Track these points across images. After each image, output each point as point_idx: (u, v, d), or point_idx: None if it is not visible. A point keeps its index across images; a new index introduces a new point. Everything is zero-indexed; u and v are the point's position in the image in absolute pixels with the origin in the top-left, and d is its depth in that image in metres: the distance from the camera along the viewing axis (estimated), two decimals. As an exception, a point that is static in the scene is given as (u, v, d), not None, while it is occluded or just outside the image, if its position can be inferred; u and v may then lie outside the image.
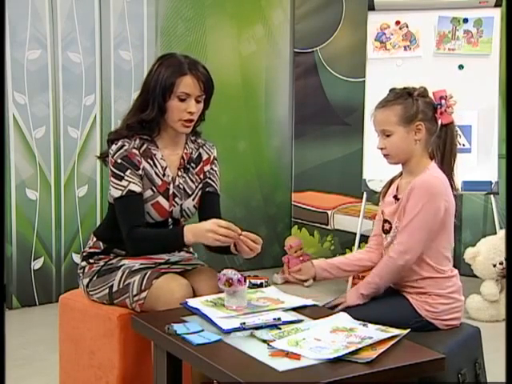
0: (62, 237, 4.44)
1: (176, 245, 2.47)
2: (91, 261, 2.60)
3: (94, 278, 2.55)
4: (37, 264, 4.36)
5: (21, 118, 4.24)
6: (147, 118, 2.51)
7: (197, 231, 2.37)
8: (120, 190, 2.47)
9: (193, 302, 2.29)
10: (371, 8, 4.57)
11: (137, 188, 2.48)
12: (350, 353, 1.88)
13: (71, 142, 4.43)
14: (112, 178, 2.50)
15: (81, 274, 2.62)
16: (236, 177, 5.13)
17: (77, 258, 4.36)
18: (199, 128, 2.67)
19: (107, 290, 2.51)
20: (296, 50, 5.32)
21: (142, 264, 2.52)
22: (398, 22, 4.54)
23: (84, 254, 2.65)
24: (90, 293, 2.57)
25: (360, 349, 1.90)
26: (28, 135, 4.27)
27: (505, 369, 2.10)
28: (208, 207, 2.65)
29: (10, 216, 4.24)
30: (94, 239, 2.64)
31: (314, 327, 2.07)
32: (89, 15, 4.43)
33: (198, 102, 2.52)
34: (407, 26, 4.52)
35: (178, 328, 2.07)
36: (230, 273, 2.23)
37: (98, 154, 2.67)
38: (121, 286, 2.48)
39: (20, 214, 4.29)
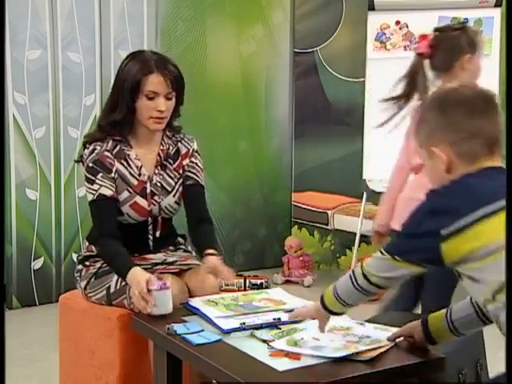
0: (62, 237, 4.44)
1: (119, 274, 2.45)
2: (87, 263, 2.60)
3: (92, 279, 2.55)
4: (37, 264, 4.36)
5: (21, 118, 4.24)
6: (117, 118, 2.49)
7: (130, 281, 2.35)
8: (92, 193, 2.49)
9: (194, 302, 2.29)
10: (371, 8, 4.57)
11: (108, 192, 2.48)
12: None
13: (71, 142, 4.43)
14: (85, 183, 2.52)
15: (78, 278, 2.61)
16: (236, 177, 5.13)
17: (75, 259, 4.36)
18: (178, 123, 2.64)
19: (105, 292, 2.50)
20: (296, 50, 5.32)
21: (138, 265, 2.51)
22: (398, 22, 4.54)
23: (79, 257, 2.65)
24: (89, 295, 2.56)
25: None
26: (28, 135, 4.27)
27: (505, 369, 2.09)
28: (192, 200, 2.63)
29: (10, 216, 4.24)
30: (87, 244, 2.64)
31: (311, 326, 2.07)
32: (89, 15, 4.43)
33: (168, 99, 2.48)
34: (407, 26, 4.53)
35: (178, 328, 2.07)
36: (152, 277, 2.22)
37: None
38: (118, 287, 2.48)
39: (20, 214, 4.29)
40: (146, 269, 2.49)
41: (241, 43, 5.16)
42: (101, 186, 2.47)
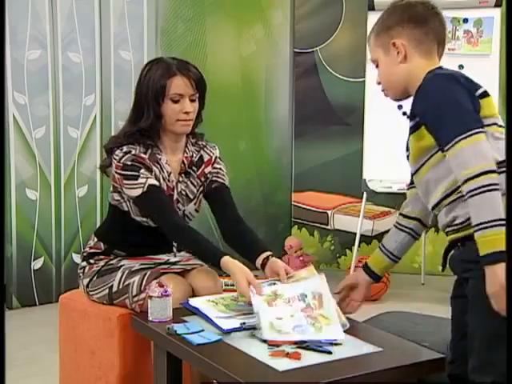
0: (62, 237, 4.44)
1: (210, 261, 2.40)
2: (91, 261, 2.60)
3: (94, 278, 2.55)
4: (37, 264, 4.36)
5: (21, 118, 4.24)
6: (145, 125, 2.47)
7: (232, 275, 2.27)
8: (139, 187, 2.42)
9: (194, 302, 2.29)
10: (371, 8, 4.57)
11: (156, 182, 2.44)
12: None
13: (71, 141, 4.43)
14: (125, 181, 2.44)
15: (81, 274, 2.62)
16: (236, 177, 5.10)
17: (77, 258, 4.36)
18: (199, 130, 2.65)
19: (107, 291, 2.51)
20: (296, 50, 5.32)
21: (141, 264, 2.52)
22: (398, 22, 4.53)
23: (84, 254, 2.65)
24: (90, 293, 2.57)
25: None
26: (28, 135, 4.27)
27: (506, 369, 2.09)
28: (221, 203, 2.61)
29: (10, 216, 4.24)
30: (95, 239, 2.63)
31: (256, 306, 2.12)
32: (89, 15, 4.43)
33: (192, 101, 2.49)
34: (407, 26, 4.52)
35: (178, 328, 2.07)
36: (153, 284, 2.22)
37: (99, 159, 2.63)
38: (120, 286, 2.48)
39: (20, 214, 4.29)
40: (149, 268, 2.50)
41: (241, 43, 5.16)
42: (147, 178, 2.42)
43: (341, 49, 5.23)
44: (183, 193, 2.57)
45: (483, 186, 1.72)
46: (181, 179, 2.57)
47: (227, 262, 2.28)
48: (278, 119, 5.39)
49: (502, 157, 1.83)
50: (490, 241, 1.70)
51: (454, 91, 1.89)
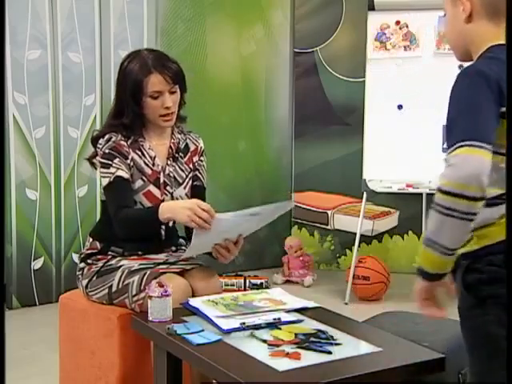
0: (62, 237, 4.44)
1: (152, 221, 2.42)
2: (89, 262, 2.61)
3: (94, 278, 2.56)
4: (37, 264, 4.36)
5: (21, 118, 4.24)
6: (126, 122, 2.53)
7: (174, 206, 2.39)
8: (108, 177, 2.49)
9: (194, 302, 2.29)
10: (371, 8, 4.57)
11: (124, 174, 2.49)
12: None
13: (71, 141, 4.43)
14: (101, 169, 2.52)
15: (80, 276, 2.62)
16: (236, 177, 5.13)
17: (77, 257, 4.36)
18: (183, 112, 2.66)
19: (107, 290, 2.51)
20: (296, 50, 5.32)
21: (141, 264, 2.52)
22: (398, 22, 4.54)
23: (82, 255, 2.66)
24: (90, 293, 2.57)
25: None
26: (28, 135, 4.27)
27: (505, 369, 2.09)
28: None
29: (10, 216, 4.24)
30: (91, 240, 2.65)
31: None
32: (89, 15, 4.43)
33: (172, 93, 2.52)
34: (407, 26, 4.52)
35: (178, 328, 2.07)
36: (153, 283, 2.22)
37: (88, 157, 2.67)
38: (120, 286, 2.48)
39: (20, 214, 4.29)
40: (148, 268, 2.50)
41: (241, 43, 5.16)
42: (118, 169, 2.48)
43: (341, 49, 5.23)
44: (171, 175, 2.61)
45: (443, 207, 1.58)
46: (169, 163, 2.61)
47: (165, 206, 2.38)
48: (278, 119, 5.39)
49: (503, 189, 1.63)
50: (420, 254, 1.69)
51: (481, 99, 1.60)
